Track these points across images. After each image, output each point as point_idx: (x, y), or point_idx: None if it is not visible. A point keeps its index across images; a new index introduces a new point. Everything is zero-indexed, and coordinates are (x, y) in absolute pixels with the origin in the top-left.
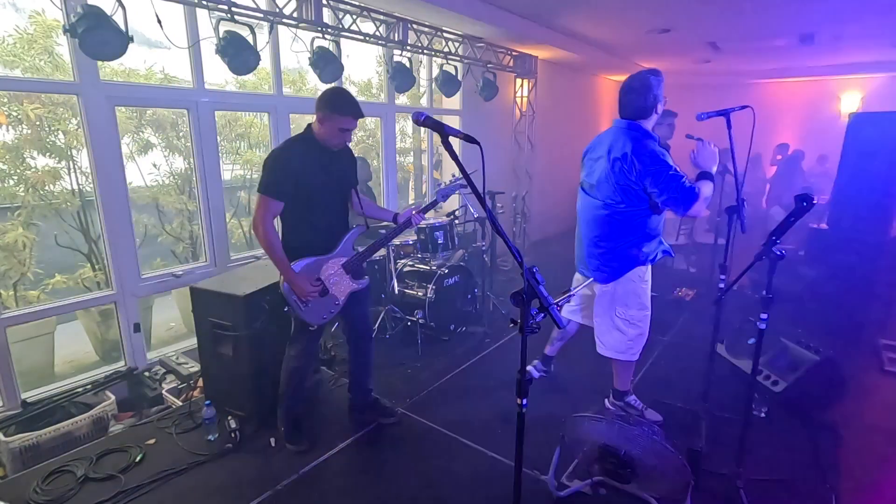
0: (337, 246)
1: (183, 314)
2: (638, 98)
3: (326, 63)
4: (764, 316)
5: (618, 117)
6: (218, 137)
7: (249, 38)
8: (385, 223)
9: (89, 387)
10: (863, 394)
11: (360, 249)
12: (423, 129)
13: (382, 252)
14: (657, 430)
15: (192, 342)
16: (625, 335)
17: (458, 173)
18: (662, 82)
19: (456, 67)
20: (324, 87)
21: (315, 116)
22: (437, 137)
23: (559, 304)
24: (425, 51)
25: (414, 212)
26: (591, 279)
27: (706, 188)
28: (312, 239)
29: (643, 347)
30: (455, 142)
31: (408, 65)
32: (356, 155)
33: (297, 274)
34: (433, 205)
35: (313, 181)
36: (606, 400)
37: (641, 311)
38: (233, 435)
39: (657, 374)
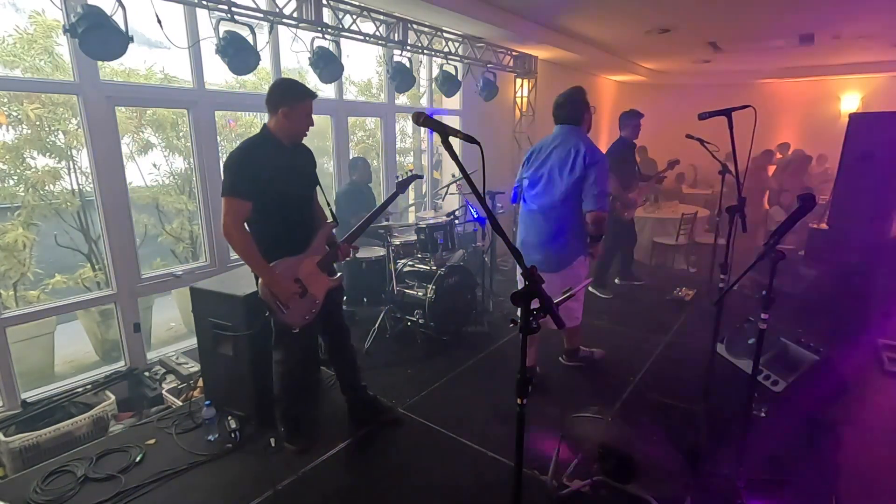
0: (310, 244)
1: (183, 314)
2: (573, 108)
3: (326, 63)
4: (764, 316)
5: (609, 118)
6: (218, 137)
7: (249, 38)
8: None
9: (89, 387)
10: (863, 394)
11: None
12: (423, 129)
13: (380, 252)
14: (657, 429)
15: (192, 342)
16: (574, 309)
17: (458, 173)
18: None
19: (456, 67)
20: (324, 87)
21: (273, 114)
22: (437, 137)
23: (559, 303)
24: (425, 51)
25: (343, 243)
26: (590, 280)
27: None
28: (285, 239)
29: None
30: (455, 142)
31: (408, 65)
32: (356, 155)
33: (278, 276)
34: (383, 207)
35: (278, 180)
36: (561, 358)
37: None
38: (233, 435)
39: (657, 374)
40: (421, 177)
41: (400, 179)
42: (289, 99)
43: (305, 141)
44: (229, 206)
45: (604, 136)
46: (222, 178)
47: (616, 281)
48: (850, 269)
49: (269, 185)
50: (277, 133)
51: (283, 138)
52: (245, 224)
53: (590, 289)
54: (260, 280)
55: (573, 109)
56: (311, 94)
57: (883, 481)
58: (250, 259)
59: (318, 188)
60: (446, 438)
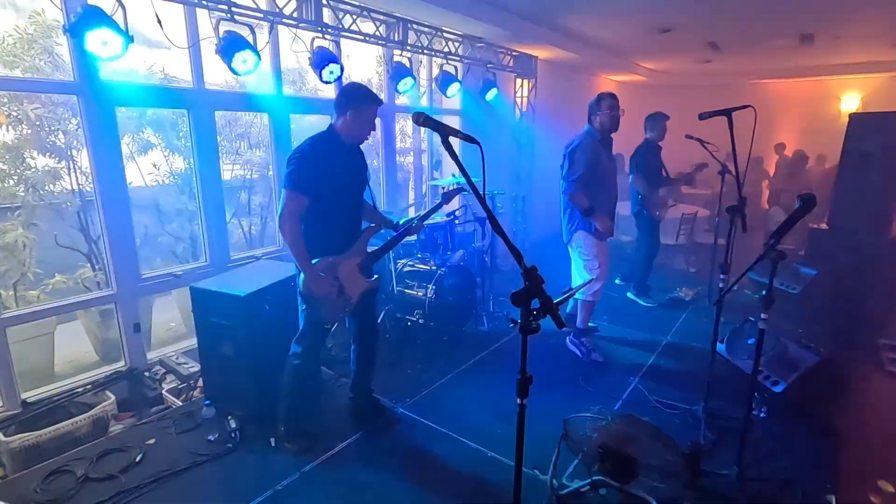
0: (353, 245)
1: (183, 314)
2: (589, 110)
3: (327, 64)
4: (764, 316)
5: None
6: (218, 137)
7: (249, 38)
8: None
9: (89, 387)
10: (863, 394)
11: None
12: (423, 129)
13: None
14: (657, 429)
15: (192, 342)
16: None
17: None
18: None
19: (456, 67)
20: (324, 87)
21: (341, 114)
22: (437, 137)
23: (559, 303)
24: (425, 51)
25: (417, 221)
26: (591, 280)
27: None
28: (332, 238)
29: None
30: (455, 142)
31: (408, 65)
32: None
33: (318, 273)
34: (433, 210)
35: (337, 180)
36: (567, 339)
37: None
38: (233, 435)
39: (657, 374)
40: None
41: (445, 191)
42: (357, 101)
43: None
44: (288, 198)
45: None
46: (286, 170)
47: (616, 281)
48: (850, 269)
49: (326, 183)
50: (342, 133)
51: (346, 139)
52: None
53: (630, 296)
54: (302, 274)
55: (589, 111)
56: (378, 101)
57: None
58: (297, 253)
59: (369, 189)
60: (446, 438)
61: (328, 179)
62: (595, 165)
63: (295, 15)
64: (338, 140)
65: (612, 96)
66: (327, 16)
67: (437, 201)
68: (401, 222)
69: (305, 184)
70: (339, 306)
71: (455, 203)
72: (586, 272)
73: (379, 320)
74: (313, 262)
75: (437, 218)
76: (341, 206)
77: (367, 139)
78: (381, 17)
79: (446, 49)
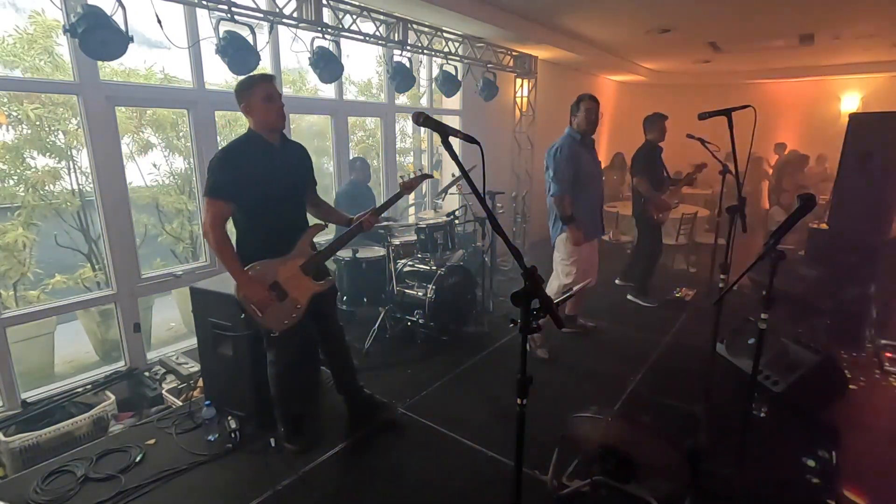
0: (293, 247)
1: (183, 314)
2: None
3: (326, 63)
4: (764, 316)
5: (609, 118)
6: (218, 137)
7: (249, 38)
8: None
9: (89, 387)
10: (863, 394)
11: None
12: (423, 129)
13: (380, 252)
14: (657, 429)
15: (192, 342)
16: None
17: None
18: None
19: (456, 67)
20: (324, 87)
21: (245, 113)
22: (437, 137)
23: (559, 303)
24: (425, 51)
25: (367, 214)
26: (588, 281)
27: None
28: (267, 242)
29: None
30: (455, 142)
31: (408, 65)
32: (357, 155)
33: (250, 279)
34: (393, 201)
35: (262, 180)
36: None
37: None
38: (233, 435)
39: (657, 374)
40: (429, 176)
41: (405, 181)
42: (241, 94)
43: (306, 141)
44: (208, 206)
45: (604, 136)
46: (206, 176)
47: (617, 281)
48: (850, 269)
49: (251, 186)
50: (258, 130)
51: (263, 134)
52: (226, 224)
53: (630, 297)
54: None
55: (570, 111)
56: (261, 77)
57: (883, 481)
58: (224, 260)
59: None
60: (446, 438)
61: (252, 182)
62: (576, 168)
63: (295, 15)
64: (259, 139)
65: (592, 98)
66: (327, 16)
67: (396, 192)
68: (353, 218)
69: (225, 190)
70: (284, 312)
71: (455, 203)
72: (562, 276)
73: (379, 320)
74: (246, 268)
75: (438, 218)
76: (274, 207)
77: (279, 124)
78: (381, 17)
79: (446, 49)
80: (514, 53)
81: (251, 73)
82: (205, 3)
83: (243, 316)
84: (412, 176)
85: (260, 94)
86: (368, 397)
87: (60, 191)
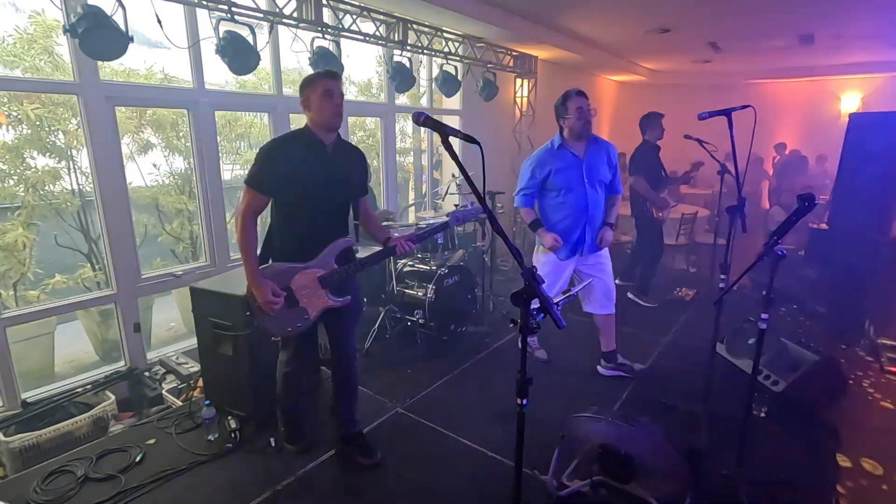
0: (317, 256)
1: (183, 314)
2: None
3: (326, 63)
4: (764, 316)
5: (609, 118)
6: (218, 137)
7: (249, 38)
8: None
9: (89, 387)
10: (863, 394)
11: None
12: (423, 129)
13: None
14: (657, 429)
15: (192, 342)
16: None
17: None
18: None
19: (456, 67)
20: None
21: (304, 109)
22: (437, 137)
23: (560, 304)
24: (425, 51)
25: (404, 240)
26: (589, 281)
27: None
28: (296, 244)
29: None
30: (455, 142)
31: (408, 65)
32: None
33: (261, 278)
34: (433, 232)
35: (307, 180)
36: (599, 367)
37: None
38: (233, 435)
39: (657, 374)
40: (481, 212)
41: (457, 209)
42: (303, 88)
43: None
44: (246, 194)
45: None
46: (252, 166)
47: (617, 281)
48: (849, 268)
49: (291, 183)
50: (313, 127)
51: (317, 131)
52: (258, 216)
53: (630, 296)
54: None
55: (556, 114)
56: (320, 76)
57: (883, 482)
58: (242, 253)
59: (370, 189)
60: (446, 438)
61: (296, 178)
62: (543, 177)
63: (295, 15)
64: (311, 136)
65: (580, 94)
66: (327, 16)
67: (444, 220)
68: (390, 237)
69: (263, 182)
70: (287, 319)
71: (454, 203)
72: None
73: (379, 320)
74: (264, 266)
75: (438, 218)
76: (311, 209)
77: (335, 122)
78: (381, 17)
79: (446, 49)
80: (513, 53)
81: (313, 73)
82: (205, 3)
83: (248, 313)
84: (462, 208)
85: (320, 89)
86: (356, 435)
87: (60, 191)
